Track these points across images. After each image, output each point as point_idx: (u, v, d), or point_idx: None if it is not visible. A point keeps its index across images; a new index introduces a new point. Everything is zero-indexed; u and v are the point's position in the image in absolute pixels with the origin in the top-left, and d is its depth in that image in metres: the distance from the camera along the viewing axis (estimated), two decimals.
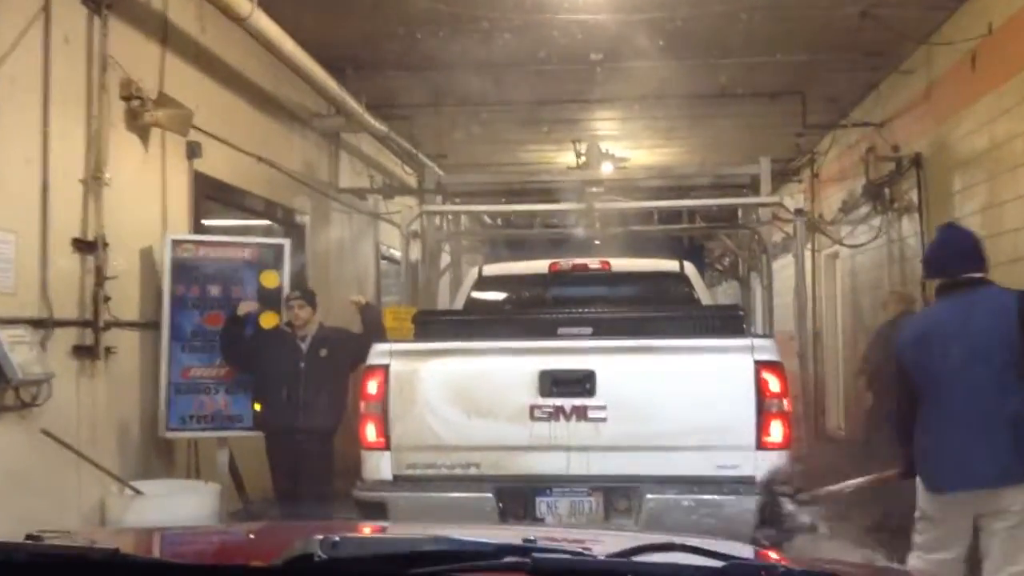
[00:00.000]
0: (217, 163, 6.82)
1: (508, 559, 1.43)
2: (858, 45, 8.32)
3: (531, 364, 4.72)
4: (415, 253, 10.56)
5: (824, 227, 10.46)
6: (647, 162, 12.40)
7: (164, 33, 6.15)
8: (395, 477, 4.75)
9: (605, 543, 2.11)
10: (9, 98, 4.75)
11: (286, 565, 1.46)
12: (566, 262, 7.08)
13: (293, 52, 6.88)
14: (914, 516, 4.13)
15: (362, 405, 4.82)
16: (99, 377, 5.32)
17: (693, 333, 5.04)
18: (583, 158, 10.59)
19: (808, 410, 7.88)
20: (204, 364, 5.99)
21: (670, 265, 7.16)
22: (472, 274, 7.40)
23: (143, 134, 5.90)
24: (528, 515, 4.70)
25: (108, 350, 5.39)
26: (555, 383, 4.69)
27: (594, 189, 9.45)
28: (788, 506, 4.65)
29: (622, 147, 11.59)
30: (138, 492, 5.21)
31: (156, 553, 1.92)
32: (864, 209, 9.68)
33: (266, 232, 8.13)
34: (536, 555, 1.42)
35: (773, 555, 2.32)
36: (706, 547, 1.57)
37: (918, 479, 4.04)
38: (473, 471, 4.71)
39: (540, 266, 7.09)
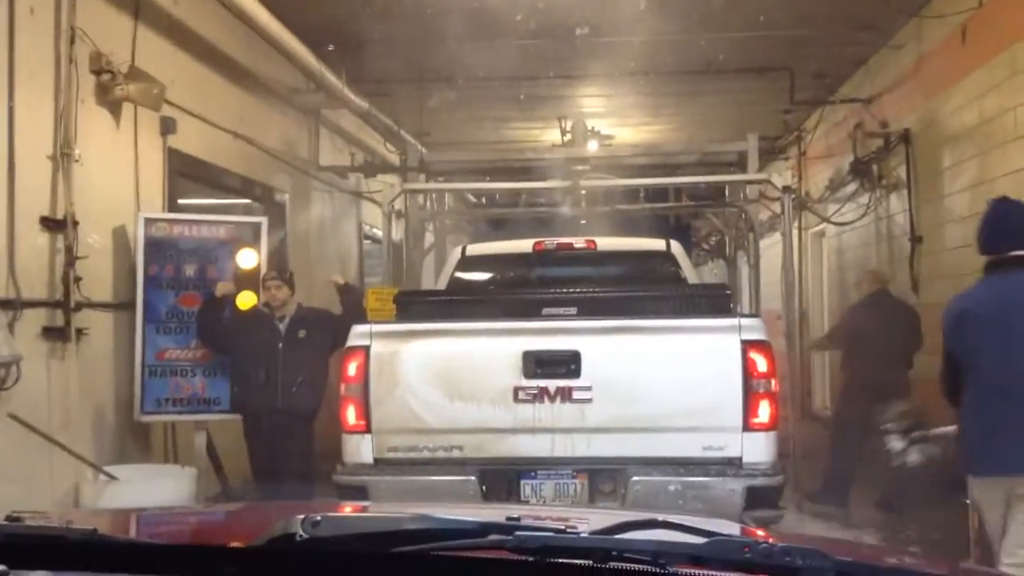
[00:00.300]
0: (192, 139, 6.65)
1: (491, 537, 1.42)
2: (847, 19, 8.20)
3: (515, 345, 4.65)
4: (397, 232, 10.43)
5: (812, 205, 10.36)
6: (633, 140, 12.27)
7: (136, 5, 5.96)
8: (376, 460, 4.68)
9: (589, 521, 2.09)
10: None
11: (268, 544, 1.45)
12: (551, 241, 6.99)
13: (268, 24, 6.70)
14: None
15: (342, 387, 4.75)
16: (70, 359, 5.17)
17: (679, 313, 4.98)
18: (568, 136, 10.45)
19: (795, 389, 7.80)
20: (180, 346, 5.86)
21: (656, 244, 7.08)
22: (455, 254, 7.29)
23: (114, 109, 5.72)
24: (512, 498, 4.65)
25: (80, 331, 5.24)
26: (539, 364, 4.63)
27: (579, 167, 9.33)
28: (897, 443, 4.60)
29: (608, 124, 11.47)
30: (112, 477, 5.08)
31: (134, 534, 1.89)
32: (852, 186, 9.58)
33: (245, 211, 7.96)
34: (519, 533, 1.41)
35: (759, 533, 2.28)
36: (690, 524, 1.56)
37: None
38: (456, 454, 4.65)
39: (524, 245, 7.01)
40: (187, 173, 6.73)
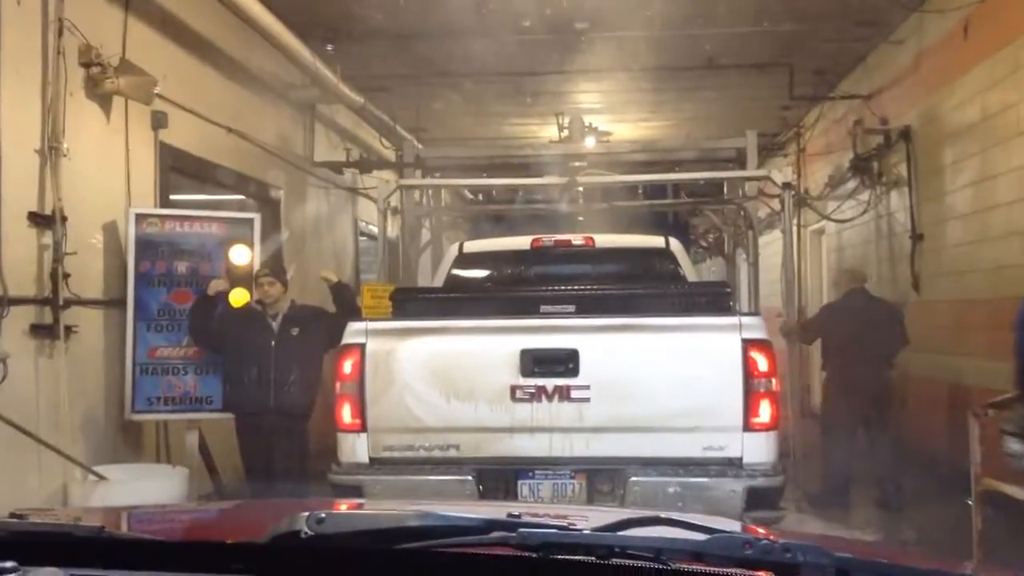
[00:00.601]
0: (185, 134, 6.55)
1: (494, 534, 1.43)
2: (847, 15, 8.12)
3: (512, 343, 4.59)
4: (394, 229, 10.34)
5: (811, 202, 10.28)
6: (631, 136, 12.18)
7: None
8: (372, 460, 4.62)
9: (589, 519, 2.12)
10: None
11: (273, 541, 1.46)
12: (548, 238, 6.92)
13: (261, 16, 6.61)
14: None
15: (337, 386, 4.68)
16: (59, 357, 5.07)
17: (679, 311, 4.90)
18: (566, 131, 10.36)
19: (794, 388, 7.73)
20: (171, 344, 5.76)
21: (655, 241, 7.02)
22: (452, 250, 7.22)
23: (104, 103, 5.62)
24: (509, 498, 4.60)
25: (69, 329, 5.14)
26: (537, 362, 4.56)
27: (577, 163, 9.24)
28: (1016, 445, 4.54)
29: (605, 120, 11.38)
30: (101, 477, 4.98)
31: (140, 531, 1.88)
32: (851, 184, 9.51)
33: (240, 208, 7.86)
34: (522, 530, 1.42)
35: (760, 530, 2.27)
36: (691, 521, 1.58)
37: None
38: (452, 453, 4.60)
39: (522, 242, 6.93)
40: (179, 168, 6.64)
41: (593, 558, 1.41)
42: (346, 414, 4.64)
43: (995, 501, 5.10)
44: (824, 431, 7.34)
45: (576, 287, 5.76)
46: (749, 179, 8.95)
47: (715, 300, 5.23)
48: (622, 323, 4.72)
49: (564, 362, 4.57)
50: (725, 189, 10.55)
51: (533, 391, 4.55)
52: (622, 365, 4.61)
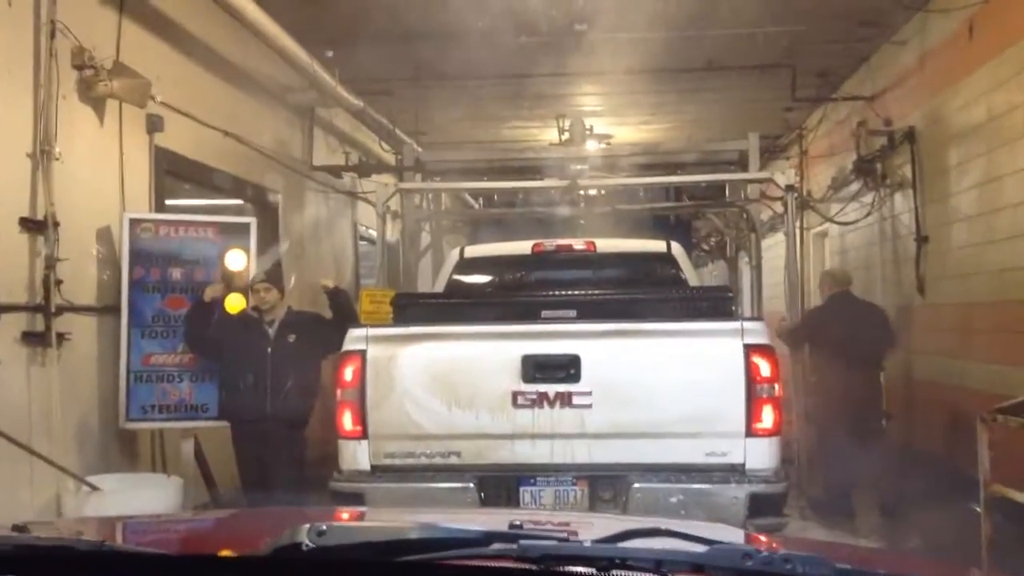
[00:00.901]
0: (181, 138, 6.47)
1: (495, 546, 1.45)
2: (850, 15, 8.04)
3: (513, 349, 4.57)
4: (393, 233, 10.26)
5: (814, 204, 10.19)
6: (632, 139, 12.10)
7: None
8: (373, 467, 4.62)
9: (591, 528, 2.12)
10: None
11: (275, 553, 1.47)
12: (550, 243, 6.90)
13: (258, 18, 6.53)
14: None
15: (338, 392, 4.66)
16: (51, 365, 4.99)
17: (681, 316, 4.88)
18: (566, 134, 10.29)
19: (797, 392, 7.64)
20: (166, 351, 5.67)
21: (657, 246, 7.00)
22: (453, 255, 7.20)
23: (98, 106, 5.55)
24: (511, 505, 4.57)
25: (61, 336, 5.05)
26: (538, 368, 4.55)
27: (578, 166, 9.17)
28: None
29: (606, 123, 11.31)
30: (93, 487, 4.90)
31: (140, 543, 1.89)
32: (855, 186, 9.42)
33: (237, 212, 7.78)
34: (523, 542, 1.44)
35: (762, 539, 2.30)
36: (692, 532, 1.60)
37: None
38: (454, 460, 4.58)
39: (523, 247, 6.90)
40: (175, 172, 6.56)
41: (594, 570, 1.41)
42: (347, 421, 4.62)
43: (1004, 508, 5.01)
44: (818, 437, 7.25)
45: (577, 292, 5.78)
46: (752, 181, 8.87)
47: (717, 305, 5.20)
48: (624, 328, 4.69)
49: (566, 368, 4.55)
50: (727, 192, 10.47)
51: (535, 397, 4.53)
52: (624, 371, 4.59)
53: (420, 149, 10.44)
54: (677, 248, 6.95)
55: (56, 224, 4.96)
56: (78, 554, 1.51)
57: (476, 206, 12.08)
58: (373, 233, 9.98)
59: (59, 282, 4.96)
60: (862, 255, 9.73)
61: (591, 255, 6.81)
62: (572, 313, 4.97)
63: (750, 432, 4.50)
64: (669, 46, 8.58)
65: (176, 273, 5.75)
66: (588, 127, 10.30)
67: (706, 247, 13.94)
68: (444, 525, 1.52)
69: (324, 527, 1.44)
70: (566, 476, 4.57)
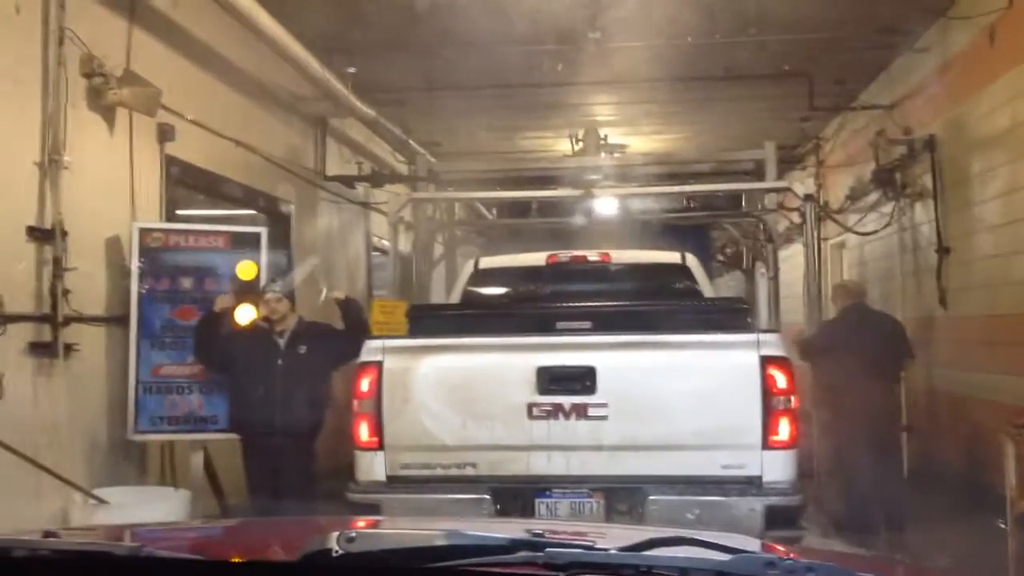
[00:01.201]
0: (192, 147, 6.41)
1: (521, 553, 1.46)
2: (868, 23, 7.93)
3: (529, 360, 4.58)
4: (407, 244, 10.19)
5: (833, 215, 10.04)
6: (646, 149, 12.01)
7: (131, 7, 5.73)
8: (389, 478, 4.63)
9: (610, 536, 2.14)
10: None
11: (305, 560, 1.49)
12: (564, 254, 6.93)
13: (270, 27, 6.47)
14: None
15: (355, 403, 4.68)
16: (58, 376, 4.92)
17: (696, 328, 4.88)
18: (580, 144, 10.20)
19: (816, 406, 7.49)
20: (175, 362, 5.58)
21: (671, 257, 7.01)
22: (468, 267, 7.22)
23: (108, 115, 5.49)
24: (527, 516, 4.56)
25: (69, 347, 4.98)
26: (554, 380, 4.55)
27: (592, 177, 9.09)
28: None
29: (621, 133, 11.22)
30: (100, 501, 4.81)
31: (174, 549, 1.91)
32: (873, 196, 9.29)
33: (250, 223, 7.71)
34: (549, 549, 1.46)
35: (780, 548, 2.28)
36: (715, 541, 1.62)
37: None
38: (470, 471, 4.59)
39: (538, 258, 6.93)
40: (186, 182, 6.50)
41: None
42: (363, 432, 4.64)
43: None
44: (837, 451, 7.08)
45: (592, 304, 5.76)
46: (770, 191, 8.77)
47: (732, 316, 5.23)
48: (639, 340, 4.69)
49: (581, 379, 4.54)
50: (743, 202, 10.36)
51: (550, 409, 4.52)
52: (639, 382, 4.59)
53: (434, 160, 10.38)
54: (692, 259, 6.95)
55: (64, 233, 4.89)
56: (115, 559, 1.53)
57: (490, 217, 12.00)
58: (386, 244, 9.92)
59: (67, 292, 4.90)
60: (881, 266, 9.58)
61: (606, 266, 6.84)
62: (587, 325, 4.97)
63: (767, 444, 4.48)
64: (684, 54, 8.50)
65: (186, 283, 5.67)
66: (602, 137, 10.22)
67: (722, 258, 13.80)
68: (471, 532, 1.53)
69: (353, 534, 1.45)
70: (582, 488, 4.56)
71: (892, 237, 9.08)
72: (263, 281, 5.67)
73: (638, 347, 4.68)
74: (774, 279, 9.58)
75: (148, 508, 4.98)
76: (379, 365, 4.62)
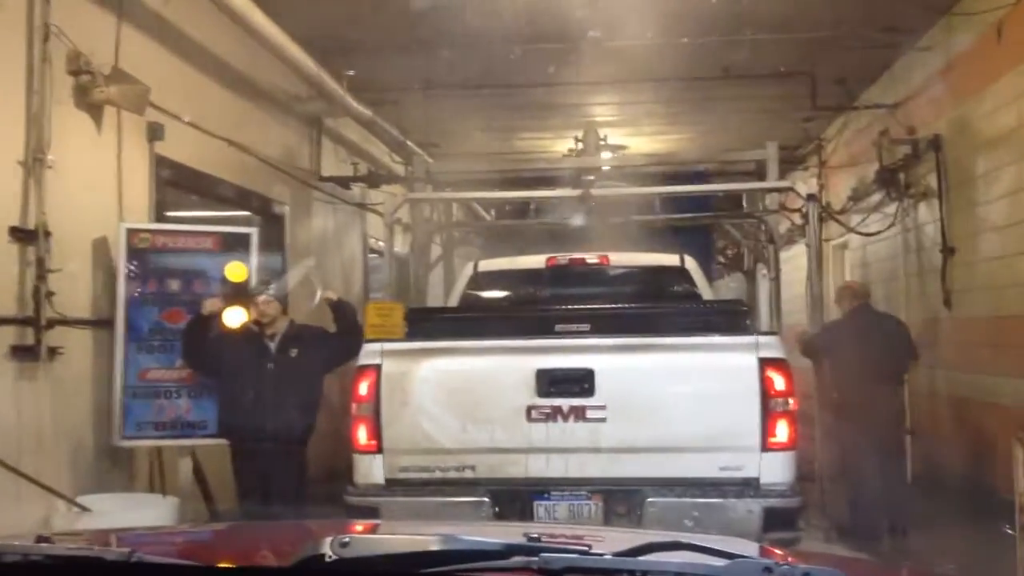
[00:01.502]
0: (183, 147, 6.29)
1: (516, 558, 1.46)
2: (871, 20, 7.81)
3: (528, 363, 4.62)
4: (404, 245, 10.07)
5: (836, 215, 9.91)
6: (647, 149, 11.89)
7: (120, 3, 5.61)
8: (387, 481, 4.66)
9: (607, 540, 2.15)
10: None
11: (299, 565, 1.49)
12: (563, 257, 6.94)
13: (263, 25, 6.35)
14: None
15: (353, 407, 4.71)
16: (41, 380, 4.79)
17: (695, 330, 4.92)
18: (580, 144, 10.08)
19: (819, 408, 7.38)
20: (163, 365, 5.45)
21: (670, 259, 7.04)
22: (467, 270, 7.24)
23: (95, 113, 5.37)
24: (525, 519, 4.59)
25: (53, 350, 4.86)
26: (553, 382, 4.59)
27: (591, 177, 8.97)
28: None
29: (621, 134, 11.10)
30: (84, 509, 4.68)
31: (165, 554, 1.89)
32: (876, 196, 9.17)
33: (243, 224, 7.58)
34: (544, 554, 1.46)
35: (778, 552, 2.31)
36: (712, 546, 1.61)
37: None
38: (468, 474, 4.62)
39: (537, 261, 6.95)
40: (177, 182, 6.37)
41: None
42: (362, 435, 4.66)
43: None
44: (841, 456, 6.95)
45: (591, 306, 5.79)
46: (772, 190, 8.65)
47: (731, 319, 5.25)
48: (638, 343, 4.71)
49: (580, 382, 4.57)
50: (744, 203, 10.24)
51: (549, 411, 4.55)
52: (638, 385, 4.62)
53: (431, 160, 10.26)
54: (691, 262, 6.98)
55: (48, 234, 4.77)
56: (107, 564, 1.54)
57: (488, 218, 11.88)
58: (383, 246, 9.79)
59: (51, 294, 4.77)
60: (885, 267, 9.46)
61: (605, 269, 6.89)
62: (586, 327, 4.96)
63: (765, 446, 4.50)
64: (684, 53, 8.38)
65: (174, 285, 5.54)
66: (602, 137, 10.10)
67: (722, 259, 13.67)
68: (465, 537, 1.53)
69: (347, 539, 1.45)
70: (580, 490, 4.58)
71: (896, 238, 8.96)
72: (253, 283, 5.54)
73: (637, 349, 4.68)
74: (776, 280, 9.45)
75: (133, 516, 4.84)
76: (378, 368, 4.63)
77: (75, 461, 5.17)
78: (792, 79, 9.07)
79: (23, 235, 4.71)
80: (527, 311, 6.13)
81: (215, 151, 6.80)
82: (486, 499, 4.54)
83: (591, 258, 6.92)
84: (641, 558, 1.54)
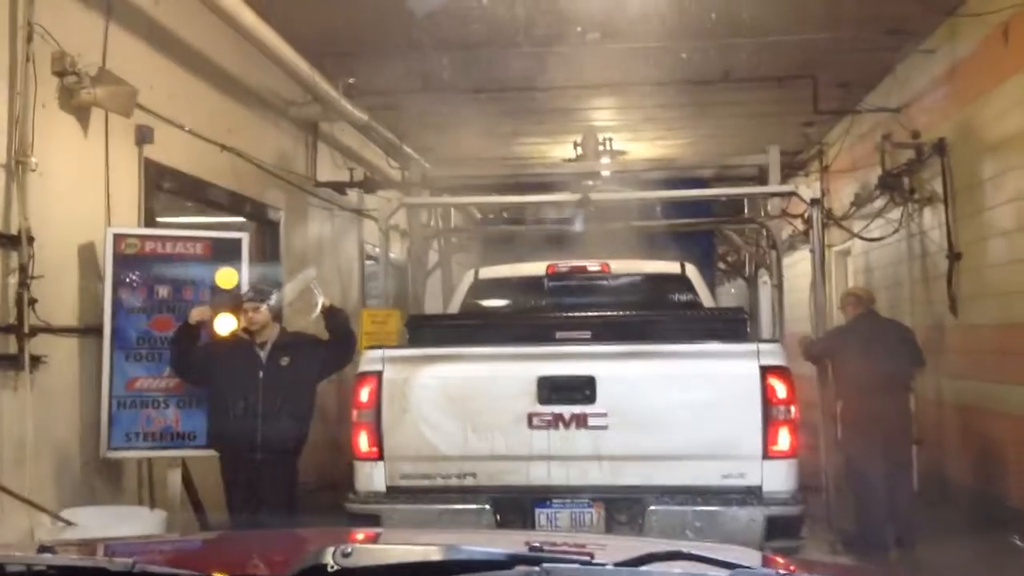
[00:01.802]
0: (173, 150, 6.16)
1: (519, 568, 1.46)
2: (874, 22, 7.69)
3: (529, 370, 4.61)
4: (402, 251, 9.95)
5: (839, 220, 9.79)
6: (647, 155, 11.77)
7: (108, 2, 5.48)
8: (389, 488, 4.65)
9: (609, 550, 2.14)
10: None
11: (301, 574, 1.48)
12: (564, 264, 6.92)
13: (255, 26, 6.23)
14: None
15: (354, 414, 4.70)
16: (24, 390, 4.64)
17: (696, 337, 4.90)
18: (579, 149, 9.96)
19: (825, 416, 7.23)
20: (151, 374, 5.30)
21: (671, 267, 7.01)
22: (467, 277, 7.22)
23: (81, 115, 5.23)
24: (527, 527, 4.57)
25: (37, 359, 4.71)
26: (554, 390, 4.58)
27: (590, 182, 8.85)
28: None
29: (621, 139, 10.99)
30: (67, 523, 4.54)
31: (169, 564, 1.88)
32: (880, 202, 9.04)
33: (237, 230, 7.45)
34: (546, 564, 1.46)
35: (780, 560, 2.28)
36: (713, 555, 1.60)
37: None
38: (469, 482, 4.61)
39: (537, 268, 6.93)
40: (167, 187, 6.24)
41: None
42: (363, 442, 4.65)
43: None
44: (848, 466, 6.80)
45: (592, 313, 5.77)
46: (775, 195, 8.52)
47: (731, 326, 5.23)
48: (639, 350, 4.70)
49: (581, 389, 4.56)
50: (746, 208, 10.13)
51: (550, 419, 4.54)
52: (639, 392, 4.60)
53: (428, 165, 10.14)
54: (691, 269, 6.97)
55: (31, 239, 4.63)
56: (111, 574, 1.54)
57: (485, 218, 11.73)
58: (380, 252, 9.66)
59: (33, 301, 4.63)
60: (889, 273, 9.33)
61: (606, 276, 6.85)
62: (587, 334, 4.96)
63: (767, 454, 4.49)
64: (684, 57, 8.27)
65: (163, 292, 5.39)
66: (601, 142, 9.99)
67: (723, 266, 13.53)
68: (468, 547, 1.53)
69: (349, 548, 1.45)
70: (582, 498, 4.56)
71: (900, 243, 8.83)
72: (244, 289, 5.40)
73: (638, 357, 4.67)
74: (778, 287, 9.32)
75: (119, 529, 4.67)
76: (379, 375, 4.61)
77: (60, 473, 5.03)
78: (794, 83, 8.97)
79: (5, 241, 4.57)
80: (528, 318, 6.12)
81: (207, 155, 6.67)
82: (487, 507, 4.53)
83: (592, 265, 6.89)
84: (643, 568, 1.54)
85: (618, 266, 6.93)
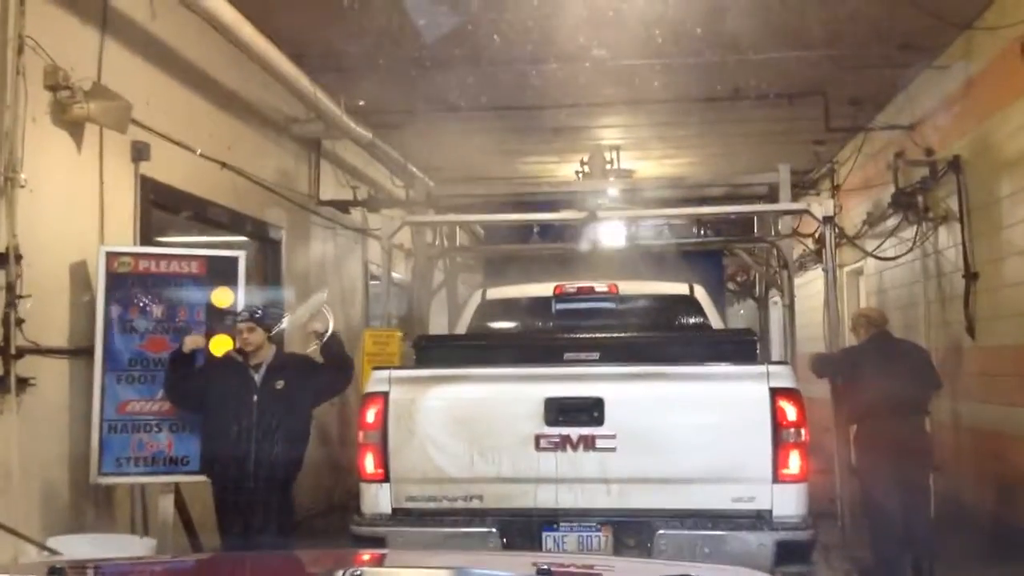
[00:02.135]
0: (171, 167, 6.04)
1: None
2: (886, 38, 7.54)
3: (536, 391, 4.55)
4: (406, 271, 9.80)
5: (852, 240, 9.60)
6: (655, 173, 11.62)
7: (103, 16, 5.37)
8: (394, 510, 4.60)
9: (617, 572, 2.14)
10: None
11: None
12: (571, 285, 6.89)
13: (254, 41, 6.11)
14: None
15: (360, 435, 4.66)
16: (10, 414, 4.49)
17: (705, 359, 4.79)
18: (586, 167, 9.81)
19: (839, 440, 7.03)
20: (144, 397, 5.14)
21: (679, 288, 6.98)
22: (475, 298, 7.22)
23: (75, 131, 5.11)
24: (534, 550, 4.46)
25: (24, 381, 4.56)
26: (561, 411, 4.52)
27: (599, 201, 8.70)
28: None
29: (629, 158, 10.85)
30: (53, 552, 4.36)
31: None
32: (893, 220, 8.86)
33: (240, 249, 7.30)
34: None
35: None
36: None
37: None
38: (476, 504, 4.56)
39: (545, 289, 6.90)
40: (164, 205, 6.11)
41: None
42: (369, 464, 4.61)
43: None
44: (862, 492, 6.57)
45: (600, 335, 5.72)
46: (787, 213, 8.35)
47: (740, 348, 5.10)
48: (647, 371, 4.63)
49: (589, 411, 4.50)
50: (756, 227, 9.96)
51: (558, 440, 4.49)
52: (648, 414, 4.55)
53: (432, 183, 10.00)
54: (700, 290, 6.93)
55: (19, 257, 4.49)
56: None
57: (489, 235, 11.58)
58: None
59: (21, 321, 4.49)
60: (903, 293, 9.13)
61: (613, 297, 6.81)
62: (595, 355, 4.86)
63: (777, 478, 4.42)
64: (694, 74, 8.14)
65: (156, 312, 5.24)
66: (608, 160, 9.84)
67: (733, 286, 13.34)
68: (476, 570, 1.54)
69: (360, 572, 1.46)
70: (590, 521, 4.50)
71: (914, 263, 8.64)
72: (240, 309, 5.24)
73: (646, 378, 4.60)
74: (790, 307, 9.13)
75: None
76: (385, 396, 4.57)
77: (48, 500, 4.86)
78: (804, 100, 8.83)
79: None
80: (535, 339, 6.09)
81: (207, 172, 6.55)
82: (494, 529, 4.47)
83: (599, 287, 6.84)
84: None
85: (626, 287, 6.87)
